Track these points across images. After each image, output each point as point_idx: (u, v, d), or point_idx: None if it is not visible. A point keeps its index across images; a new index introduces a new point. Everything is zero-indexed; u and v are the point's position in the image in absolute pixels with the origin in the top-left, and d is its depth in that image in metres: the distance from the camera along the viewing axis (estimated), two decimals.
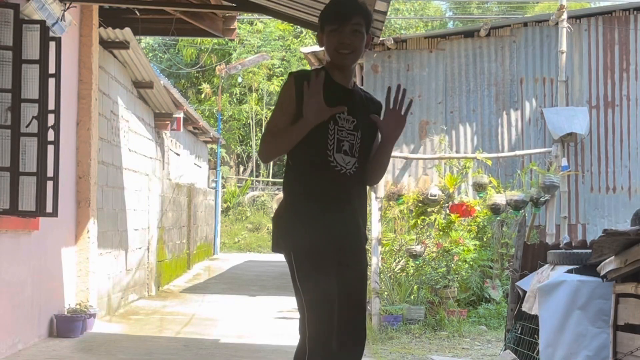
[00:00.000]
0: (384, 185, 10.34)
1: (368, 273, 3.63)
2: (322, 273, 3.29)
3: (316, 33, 3.57)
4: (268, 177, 33.11)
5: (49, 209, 6.80)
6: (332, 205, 3.37)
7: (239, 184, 31.51)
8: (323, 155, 3.36)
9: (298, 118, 3.35)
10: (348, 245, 3.40)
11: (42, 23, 6.75)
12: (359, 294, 3.44)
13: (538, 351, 5.26)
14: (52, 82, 6.81)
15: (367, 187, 3.61)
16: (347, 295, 3.37)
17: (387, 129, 3.46)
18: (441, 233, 9.78)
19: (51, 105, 6.79)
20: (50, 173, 6.79)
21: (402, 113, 3.46)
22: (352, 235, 3.42)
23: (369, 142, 3.51)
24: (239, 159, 34.75)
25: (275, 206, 28.72)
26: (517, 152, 10.77)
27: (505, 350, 6.19)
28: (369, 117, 3.49)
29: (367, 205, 3.57)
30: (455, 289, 9.39)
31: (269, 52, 29.66)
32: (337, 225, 3.36)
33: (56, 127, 6.86)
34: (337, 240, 3.35)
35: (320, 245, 3.31)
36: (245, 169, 34.43)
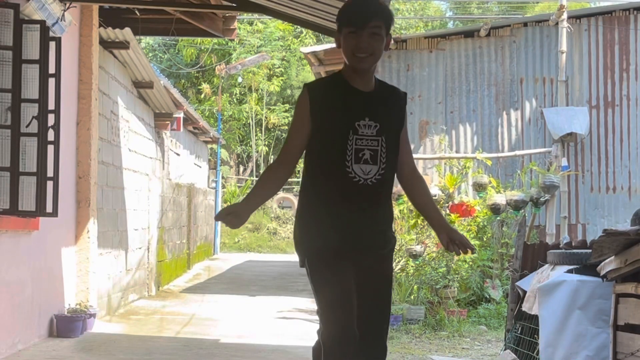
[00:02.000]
0: None
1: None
2: (334, 272, 3.23)
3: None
4: None
5: (49, 209, 6.80)
6: (346, 212, 3.26)
7: (239, 184, 31.50)
8: (341, 167, 3.25)
9: (315, 132, 3.28)
10: (365, 248, 3.29)
11: (42, 23, 6.75)
12: (379, 299, 3.32)
13: (538, 351, 5.26)
14: (52, 82, 6.80)
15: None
16: (367, 300, 3.27)
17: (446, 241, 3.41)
18: None
19: (51, 105, 6.79)
20: (50, 173, 6.78)
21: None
22: (369, 239, 3.30)
23: (395, 145, 3.37)
24: (239, 159, 34.75)
25: (275, 206, 28.70)
26: (517, 152, 10.79)
27: (505, 350, 6.19)
28: (396, 116, 3.39)
29: (392, 210, 3.47)
30: (455, 289, 9.40)
31: (269, 52, 29.66)
32: (351, 229, 3.26)
33: (56, 127, 6.86)
34: (350, 242, 3.26)
35: (331, 245, 3.23)
36: (245, 169, 34.43)
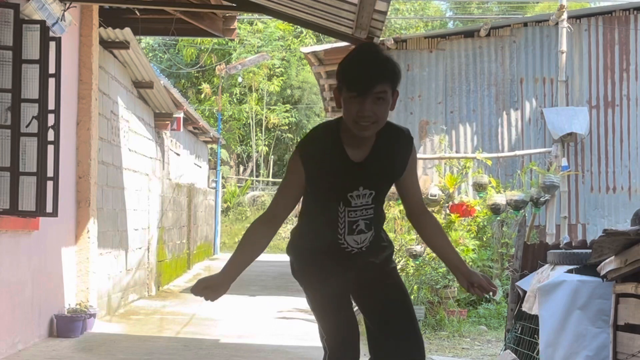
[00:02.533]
0: None
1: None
2: (321, 287, 3.16)
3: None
4: (268, 177, 33.12)
5: (49, 209, 6.80)
6: (333, 267, 3.16)
7: (239, 184, 31.51)
8: (334, 237, 3.10)
9: (305, 189, 3.09)
10: (357, 269, 3.20)
11: (42, 23, 6.75)
12: (392, 298, 3.18)
13: (538, 351, 5.26)
14: (52, 82, 6.81)
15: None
16: (381, 305, 3.17)
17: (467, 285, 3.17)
18: None
19: (51, 105, 6.79)
20: (50, 173, 6.79)
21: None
22: (362, 268, 3.20)
23: (386, 195, 3.19)
24: (239, 159, 34.75)
25: None
26: (517, 152, 10.79)
27: (505, 350, 6.19)
28: (395, 166, 3.12)
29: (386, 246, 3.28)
30: (455, 289, 9.40)
31: (269, 52, 29.66)
32: (342, 269, 3.17)
33: (56, 127, 6.86)
34: (341, 271, 3.16)
35: (326, 270, 3.15)
36: (245, 169, 34.44)
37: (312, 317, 3.38)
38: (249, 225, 3.22)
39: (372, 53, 2.96)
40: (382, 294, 3.20)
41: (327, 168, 3.02)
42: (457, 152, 11.14)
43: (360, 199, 3.06)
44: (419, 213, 3.26)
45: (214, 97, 30.34)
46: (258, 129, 32.33)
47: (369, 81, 2.87)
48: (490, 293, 3.19)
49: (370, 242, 3.15)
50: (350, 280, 3.21)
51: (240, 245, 3.16)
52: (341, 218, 3.07)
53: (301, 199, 3.23)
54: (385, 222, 3.31)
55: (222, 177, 28.73)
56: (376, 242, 3.20)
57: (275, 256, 23.84)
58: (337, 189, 3.05)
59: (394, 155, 3.09)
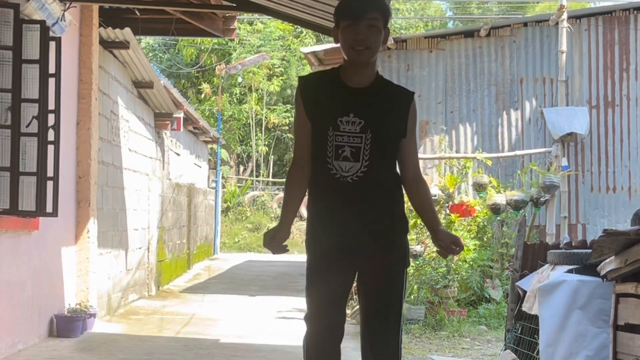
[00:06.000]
0: None
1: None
2: (318, 279, 3.32)
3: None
4: (268, 177, 33.11)
5: (49, 208, 6.80)
6: (333, 209, 3.29)
7: (239, 184, 31.49)
8: (323, 163, 3.27)
9: (312, 123, 3.29)
10: (357, 247, 3.28)
11: (42, 23, 6.75)
12: (379, 301, 3.31)
13: (538, 351, 5.26)
14: (52, 82, 6.80)
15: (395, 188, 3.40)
16: (370, 303, 3.33)
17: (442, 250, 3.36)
18: None
19: (51, 105, 6.79)
20: (50, 173, 6.79)
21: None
22: (359, 238, 3.27)
23: (387, 141, 3.29)
24: (239, 159, 34.74)
25: (275, 206, 28.67)
26: (517, 152, 10.79)
27: (505, 350, 6.19)
28: (391, 113, 3.29)
29: (401, 206, 3.40)
30: (455, 289, 9.40)
31: (269, 52, 29.66)
32: (340, 227, 3.27)
33: (56, 127, 6.86)
34: (340, 242, 3.27)
35: (323, 249, 3.30)
36: (245, 169, 34.42)
37: None
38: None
39: None
40: (373, 295, 3.31)
41: (322, 93, 3.31)
42: (457, 152, 11.14)
43: (349, 126, 3.24)
44: (413, 177, 3.39)
45: (214, 97, 30.33)
46: (258, 129, 32.32)
47: (361, 8, 3.23)
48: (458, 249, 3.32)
49: (358, 178, 3.23)
50: (352, 274, 3.32)
51: (286, 194, 3.40)
52: (330, 142, 3.23)
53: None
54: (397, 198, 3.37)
55: (222, 177, 28.72)
56: (381, 191, 3.30)
57: (275, 256, 23.84)
58: (330, 112, 3.25)
59: (391, 107, 3.30)
